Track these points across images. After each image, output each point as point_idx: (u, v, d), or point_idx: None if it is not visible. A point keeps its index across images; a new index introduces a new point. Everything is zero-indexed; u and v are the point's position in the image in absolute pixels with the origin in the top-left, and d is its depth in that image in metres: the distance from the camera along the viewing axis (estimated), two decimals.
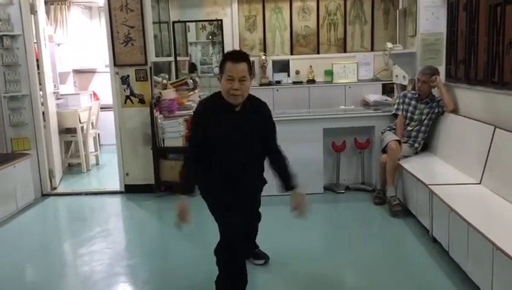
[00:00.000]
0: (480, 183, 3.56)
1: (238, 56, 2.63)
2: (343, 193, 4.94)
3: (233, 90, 2.56)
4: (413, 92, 4.76)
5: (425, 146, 4.61)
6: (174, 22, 6.92)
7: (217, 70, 7.37)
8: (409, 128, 4.58)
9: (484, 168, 3.56)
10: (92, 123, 6.63)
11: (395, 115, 4.71)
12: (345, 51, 7.19)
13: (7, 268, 3.55)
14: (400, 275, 3.21)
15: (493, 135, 3.54)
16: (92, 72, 7.91)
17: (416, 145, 4.54)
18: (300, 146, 4.77)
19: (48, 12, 6.64)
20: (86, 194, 5.34)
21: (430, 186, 3.55)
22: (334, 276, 3.24)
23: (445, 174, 3.92)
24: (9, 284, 3.31)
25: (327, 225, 4.39)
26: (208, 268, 3.33)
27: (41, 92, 5.30)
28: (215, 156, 2.70)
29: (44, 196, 5.28)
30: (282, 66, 7.14)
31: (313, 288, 3.08)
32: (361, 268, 3.34)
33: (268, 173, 2.99)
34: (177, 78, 6.41)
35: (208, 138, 2.66)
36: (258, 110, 2.80)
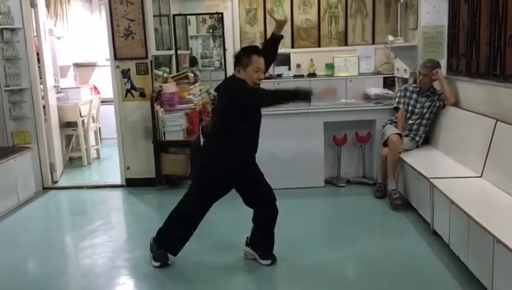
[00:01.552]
0: (481, 177, 3.56)
1: (261, 51, 3.12)
2: (344, 186, 4.94)
3: (260, 80, 3.06)
4: (414, 85, 4.75)
5: (427, 139, 4.61)
6: (174, 15, 6.89)
7: (217, 64, 7.37)
8: (410, 121, 4.57)
9: (485, 161, 3.56)
10: (93, 117, 6.62)
11: (396, 109, 4.70)
12: (346, 44, 7.15)
13: (8, 261, 3.57)
14: (401, 268, 3.21)
15: (494, 128, 3.54)
16: (93, 65, 7.89)
17: (417, 138, 4.54)
18: (301, 140, 4.77)
19: (48, 6, 6.61)
20: (87, 187, 5.35)
21: (431, 179, 3.55)
22: (334, 269, 3.24)
23: (446, 168, 3.92)
24: (11, 277, 3.32)
25: (328, 218, 4.40)
26: (209, 261, 3.37)
27: (41, 86, 5.30)
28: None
29: (46, 189, 5.29)
30: (283, 60, 7.10)
31: (313, 281, 3.08)
32: (362, 261, 3.34)
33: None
34: (177, 71, 6.39)
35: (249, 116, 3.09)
36: None
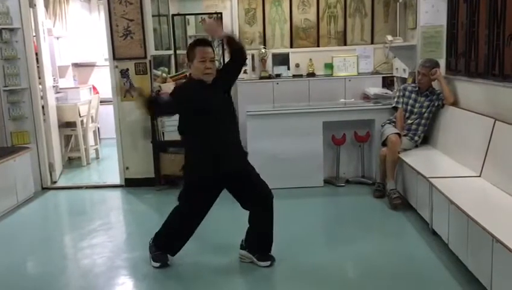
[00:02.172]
0: (480, 176, 3.56)
1: (207, 42, 3.11)
2: (343, 186, 4.94)
3: (209, 69, 3.02)
4: (413, 85, 4.75)
5: (426, 139, 4.61)
6: (173, 15, 6.89)
7: (216, 64, 7.34)
8: (409, 121, 4.57)
9: (484, 161, 3.56)
10: (92, 117, 6.62)
11: (395, 108, 4.70)
12: (345, 44, 7.14)
13: (8, 261, 3.57)
14: (400, 268, 3.22)
15: (493, 127, 3.54)
16: (92, 65, 7.89)
17: (416, 138, 4.54)
18: (300, 139, 4.78)
19: (47, 6, 6.61)
20: (86, 187, 5.35)
21: (430, 179, 3.55)
22: (333, 269, 3.24)
23: (445, 167, 3.92)
24: (10, 277, 3.32)
25: (327, 218, 4.40)
26: (208, 261, 3.36)
27: (40, 86, 5.29)
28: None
29: (45, 189, 5.29)
30: (282, 59, 7.10)
31: (312, 281, 3.08)
32: (361, 261, 3.34)
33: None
34: (176, 71, 6.39)
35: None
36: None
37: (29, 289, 3.19)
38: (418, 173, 3.80)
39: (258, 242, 3.26)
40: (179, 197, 3.24)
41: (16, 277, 3.33)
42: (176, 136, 4.97)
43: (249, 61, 6.61)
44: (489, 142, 3.55)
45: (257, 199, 3.16)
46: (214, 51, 3.13)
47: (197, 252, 3.51)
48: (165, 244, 3.28)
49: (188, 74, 3.09)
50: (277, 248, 3.31)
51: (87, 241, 3.88)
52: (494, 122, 3.55)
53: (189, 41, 7.34)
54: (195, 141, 3.10)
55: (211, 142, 3.05)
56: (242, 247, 3.32)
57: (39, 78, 5.26)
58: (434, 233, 3.54)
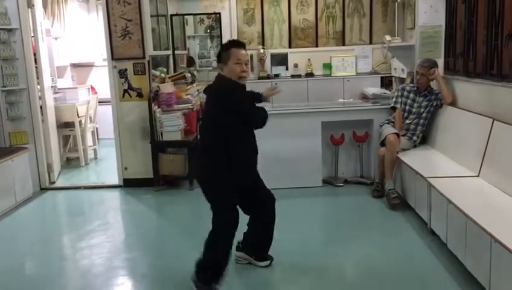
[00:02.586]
0: (478, 176, 3.57)
1: (241, 44, 3.01)
2: (341, 186, 4.94)
3: (244, 73, 2.94)
4: (411, 85, 4.76)
5: (424, 139, 4.62)
6: (172, 15, 6.89)
7: (215, 64, 7.36)
8: (408, 121, 4.58)
9: (482, 160, 3.57)
10: (90, 117, 6.61)
11: (394, 108, 4.71)
12: (343, 44, 7.16)
13: (6, 262, 3.56)
14: (398, 268, 3.22)
15: (491, 127, 3.55)
16: (90, 66, 7.88)
17: (414, 138, 4.55)
18: (299, 139, 4.78)
19: (45, 6, 6.59)
20: (85, 188, 5.35)
21: (428, 179, 3.55)
22: (332, 269, 3.24)
23: (444, 167, 3.92)
24: (8, 278, 3.32)
25: (325, 218, 4.40)
26: None
27: (39, 86, 5.29)
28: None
29: (43, 190, 5.28)
30: (281, 60, 7.12)
31: (311, 281, 3.09)
32: (360, 261, 3.35)
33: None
34: (175, 71, 6.39)
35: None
36: None
37: (27, 289, 3.18)
38: (417, 172, 3.81)
39: (258, 243, 3.26)
40: (213, 220, 2.95)
41: (14, 278, 3.32)
42: (175, 137, 5.02)
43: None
44: (487, 142, 3.55)
45: (263, 204, 3.14)
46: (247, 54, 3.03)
47: (195, 252, 3.50)
48: (212, 274, 2.92)
49: (220, 74, 2.95)
50: (275, 248, 3.30)
51: (85, 242, 3.88)
52: (493, 122, 3.55)
53: (188, 41, 7.39)
54: (236, 147, 2.90)
55: (248, 149, 3.00)
56: (238, 248, 3.30)
57: (37, 78, 5.25)
58: (432, 233, 3.54)
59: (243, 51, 2.95)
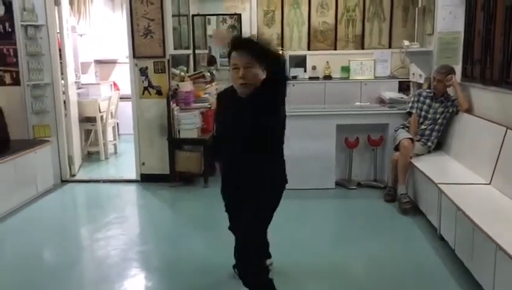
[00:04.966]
0: (489, 184, 3.57)
1: (244, 45, 2.42)
2: (354, 189, 4.97)
3: (242, 80, 2.37)
4: (428, 90, 4.76)
5: (439, 145, 4.61)
6: (193, 15, 7.00)
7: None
8: (423, 126, 4.59)
9: (494, 169, 3.57)
10: (112, 113, 6.77)
11: (409, 113, 4.72)
12: (362, 48, 7.17)
13: (26, 249, 3.71)
14: (405, 272, 3.25)
15: (505, 136, 3.54)
16: (113, 62, 8.05)
17: (429, 144, 4.55)
18: (314, 141, 4.82)
19: (71, 4, 6.78)
20: (104, 181, 5.49)
21: (439, 185, 3.57)
22: (341, 271, 3.29)
23: (456, 174, 3.93)
24: (27, 266, 3.46)
25: (337, 220, 4.44)
26: (218, 257, 3.43)
27: (63, 81, 5.45)
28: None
29: (64, 182, 5.44)
30: (299, 62, 7.16)
31: (321, 282, 3.14)
32: (368, 264, 3.39)
33: None
34: (195, 70, 6.49)
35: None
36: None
37: (45, 277, 3.32)
38: (428, 178, 3.83)
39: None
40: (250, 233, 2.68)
41: (32, 266, 3.46)
42: (191, 135, 5.11)
43: None
44: (500, 151, 3.55)
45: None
46: (254, 56, 2.34)
47: (207, 248, 3.60)
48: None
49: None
50: (285, 248, 3.37)
51: (102, 233, 4.01)
52: (506, 130, 3.55)
53: (209, 41, 7.49)
54: (280, 151, 2.63)
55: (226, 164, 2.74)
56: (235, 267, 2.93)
57: (62, 73, 5.42)
58: (441, 238, 3.56)
59: (240, 54, 2.35)
